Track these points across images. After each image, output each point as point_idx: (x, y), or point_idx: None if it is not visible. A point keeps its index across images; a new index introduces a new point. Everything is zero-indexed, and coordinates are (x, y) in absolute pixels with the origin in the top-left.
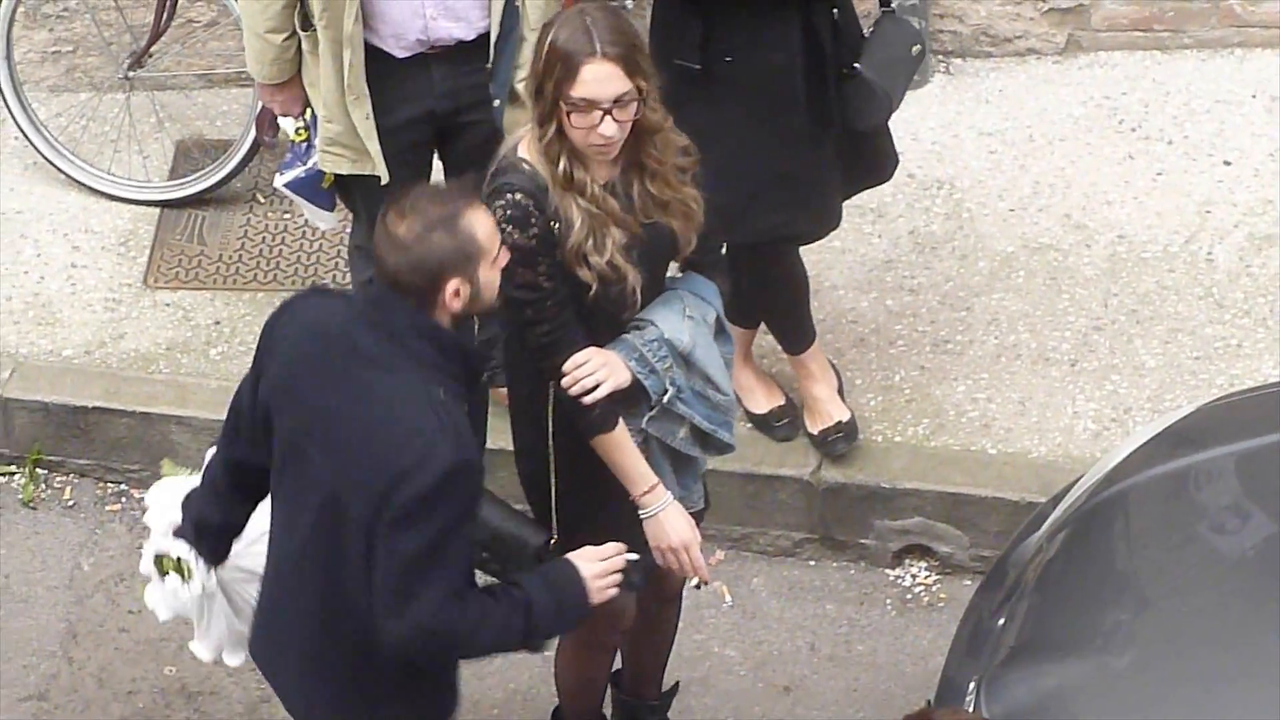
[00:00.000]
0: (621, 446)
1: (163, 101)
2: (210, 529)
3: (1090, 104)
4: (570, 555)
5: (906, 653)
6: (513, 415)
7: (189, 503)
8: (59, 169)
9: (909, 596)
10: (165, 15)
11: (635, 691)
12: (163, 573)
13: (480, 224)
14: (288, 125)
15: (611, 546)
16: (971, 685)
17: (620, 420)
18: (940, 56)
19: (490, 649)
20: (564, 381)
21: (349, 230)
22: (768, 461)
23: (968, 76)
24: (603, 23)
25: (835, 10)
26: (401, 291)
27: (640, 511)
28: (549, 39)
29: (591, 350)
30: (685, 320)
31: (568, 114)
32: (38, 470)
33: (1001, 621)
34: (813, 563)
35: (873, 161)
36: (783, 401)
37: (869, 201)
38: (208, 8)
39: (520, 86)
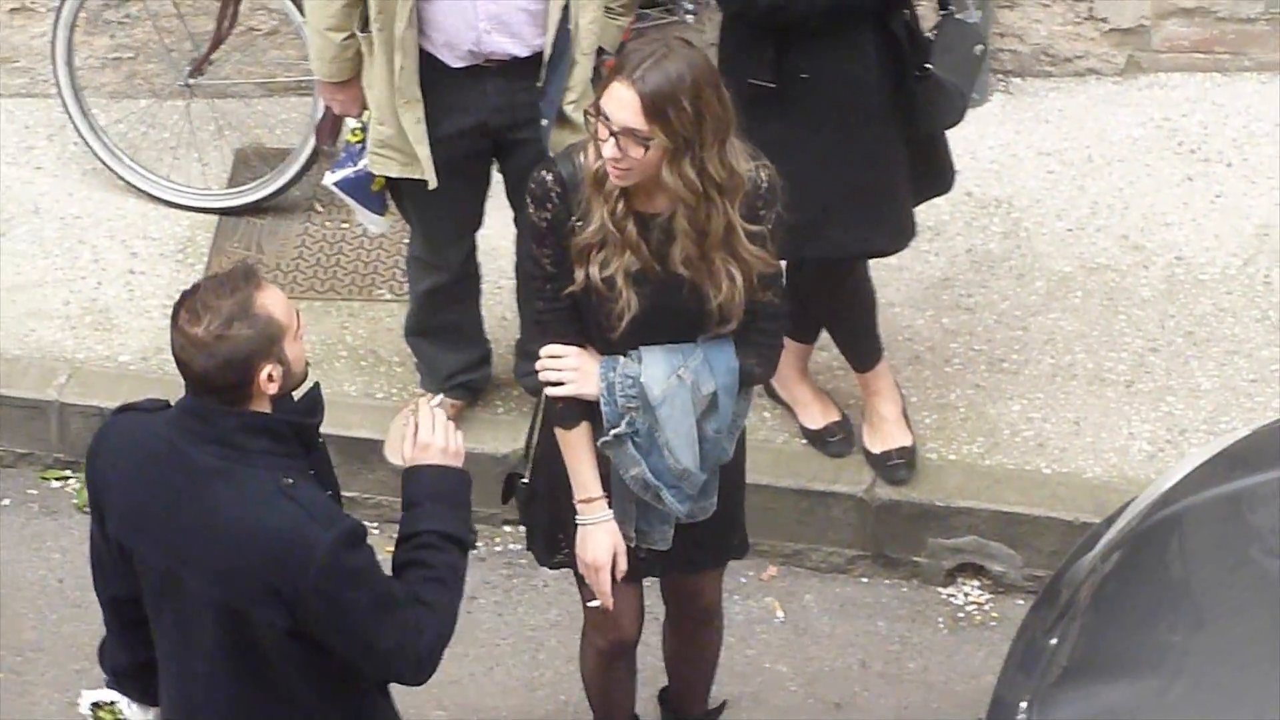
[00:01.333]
0: (574, 449)
1: (222, 109)
2: (126, 672)
3: (1149, 125)
4: (407, 461)
5: (958, 671)
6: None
7: (102, 654)
8: (118, 175)
9: (961, 615)
10: (226, 23)
11: (680, 709)
12: None
13: (273, 302)
14: (348, 124)
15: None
16: (1023, 705)
17: (584, 426)
18: (1000, 76)
19: (458, 591)
20: (536, 364)
21: (407, 240)
22: (821, 478)
23: (1027, 96)
24: (661, 59)
25: (908, 13)
26: (216, 391)
27: (575, 517)
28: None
29: (574, 350)
30: (672, 377)
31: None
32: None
33: (1054, 641)
34: (865, 580)
35: (937, 171)
36: (838, 418)
37: (927, 219)
38: (269, 16)
39: (569, 109)
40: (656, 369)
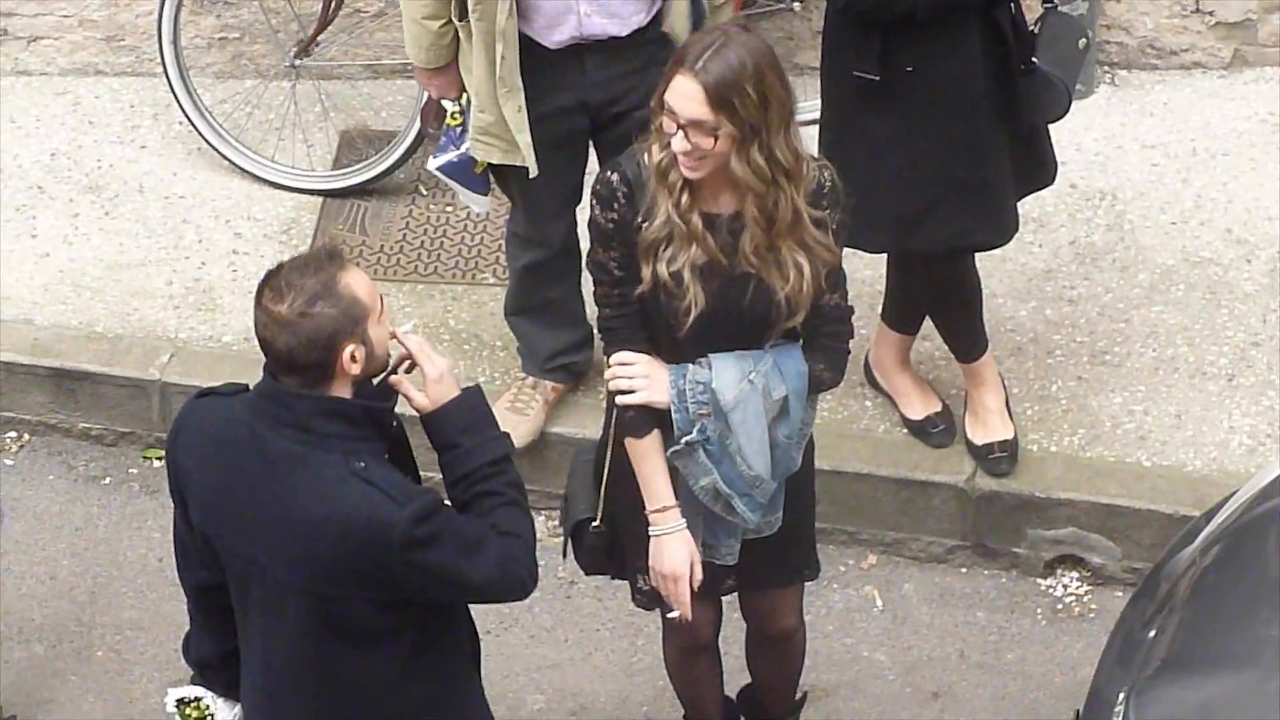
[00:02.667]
0: (645, 457)
1: (328, 91)
2: (212, 664)
3: (1255, 119)
4: (417, 408)
5: (1056, 662)
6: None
7: (187, 646)
8: (223, 155)
9: (1060, 606)
10: (333, 4)
11: (761, 706)
12: (186, 719)
13: (357, 283)
14: (447, 108)
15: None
16: (1121, 696)
17: (655, 434)
18: (1106, 68)
19: (526, 503)
20: (606, 373)
21: (507, 218)
22: (922, 467)
23: (1133, 88)
24: (721, 48)
25: (1013, 6)
26: (299, 370)
27: (649, 529)
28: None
29: (644, 357)
30: (744, 382)
31: (654, 113)
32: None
33: (1152, 634)
34: (964, 570)
35: (1040, 164)
36: (939, 408)
37: (1031, 211)
38: None
39: None
40: (727, 374)
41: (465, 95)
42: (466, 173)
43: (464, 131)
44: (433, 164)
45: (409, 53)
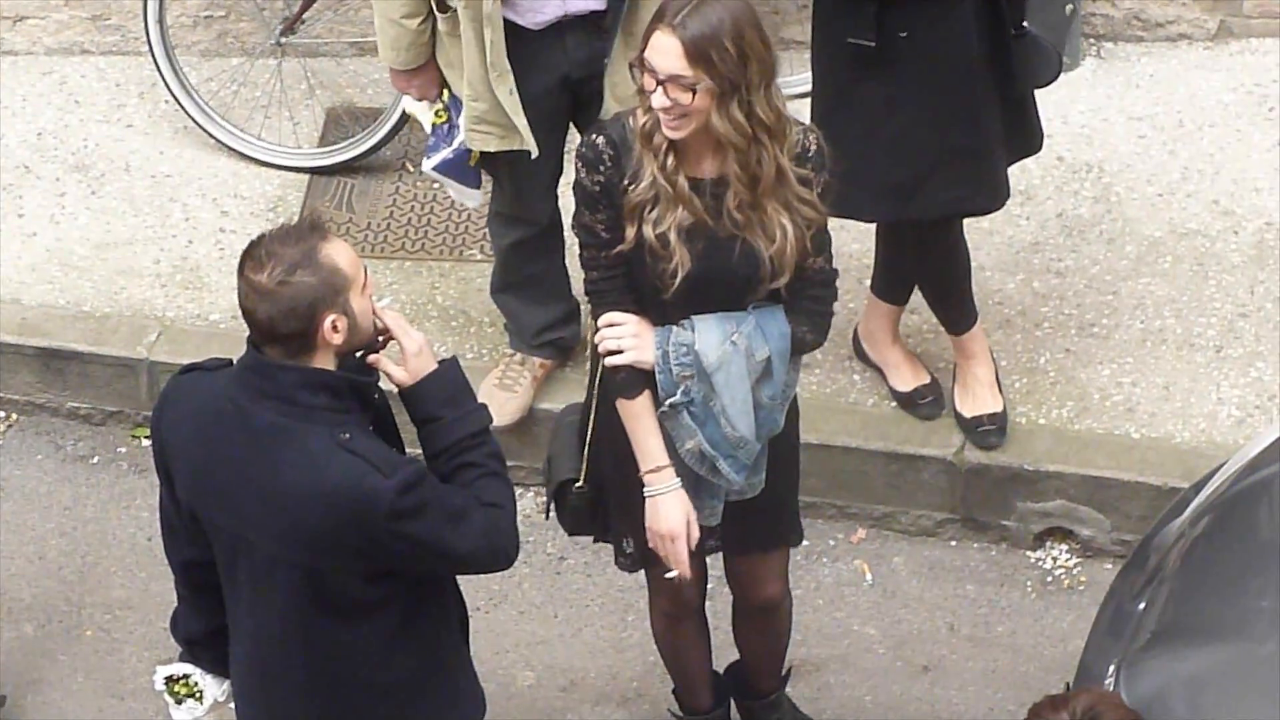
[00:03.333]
0: (638, 418)
1: (314, 68)
2: (200, 641)
3: (1241, 90)
4: (397, 384)
5: (1046, 635)
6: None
7: (175, 623)
8: (209, 134)
9: (1049, 579)
10: None
11: (748, 682)
12: (174, 696)
13: (339, 253)
14: (419, 110)
15: None
16: (1111, 669)
17: (646, 395)
18: (1092, 40)
19: (506, 473)
20: (595, 335)
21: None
22: (911, 441)
23: (1119, 61)
24: (700, 4)
25: None
26: (280, 340)
27: (644, 489)
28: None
29: (631, 318)
30: (726, 344)
31: (632, 71)
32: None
33: (1142, 606)
34: (954, 543)
35: (1028, 131)
36: (927, 380)
37: (1018, 184)
38: None
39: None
40: (710, 336)
41: (445, 91)
42: (462, 168)
43: (452, 128)
44: (427, 165)
45: (384, 57)
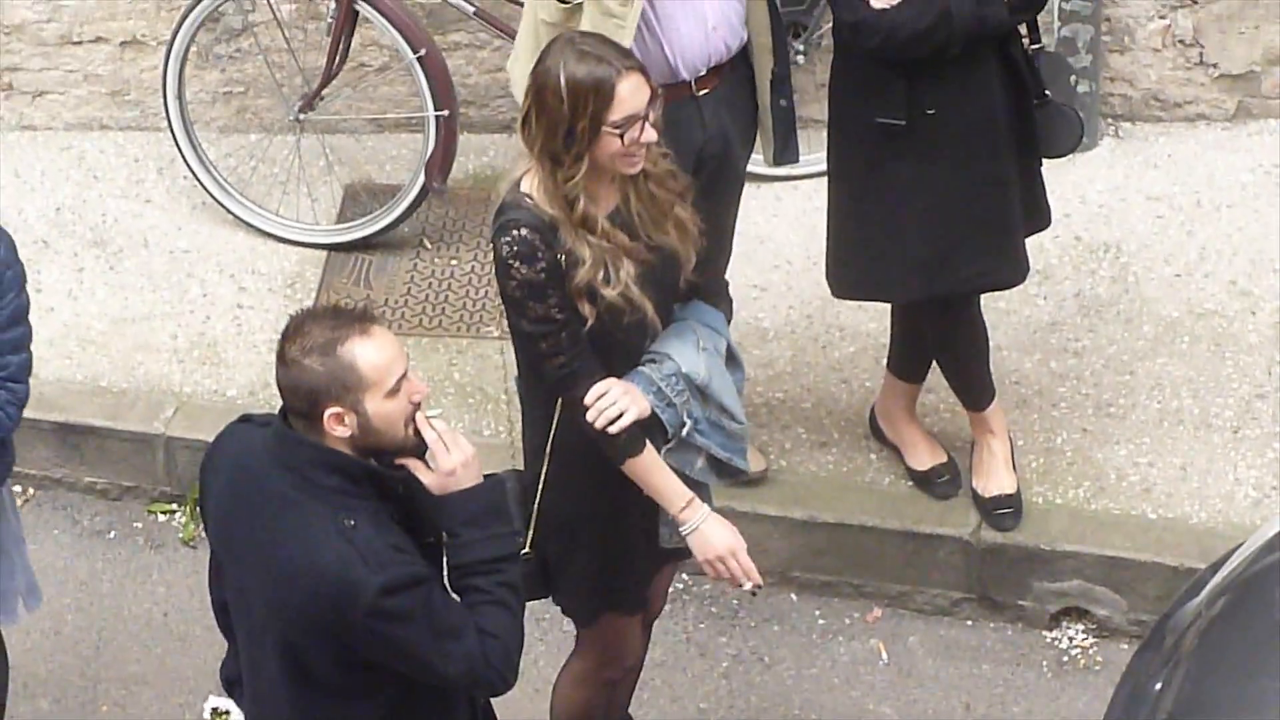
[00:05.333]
0: (653, 468)
1: (332, 145)
2: (237, 681)
3: (1259, 171)
4: (428, 486)
5: (1062, 715)
6: (526, 446)
7: (224, 661)
8: (227, 209)
9: (1065, 659)
10: (337, 59)
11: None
12: None
13: (367, 353)
14: None
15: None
16: None
17: (648, 442)
18: (1110, 120)
19: (519, 604)
20: (588, 415)
21: None
22: (927, 520)
23: (1137, 140)
24: (598, 43)
25: (1024, 41)
26: (293, 414)
27: (681, 528)
28: (563, 82)
29: (611, 381)
30: (700, 353)
31: (618, 136)
32: (199, 510)
33: (1159, 686)
34: (970, 622)
35: (1039, 205)
36: (944, 459)
37: (1036, 263)
38: (380, 52)
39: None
40: (687, 354)
41: None
42: None
43: None
44: None
45: None
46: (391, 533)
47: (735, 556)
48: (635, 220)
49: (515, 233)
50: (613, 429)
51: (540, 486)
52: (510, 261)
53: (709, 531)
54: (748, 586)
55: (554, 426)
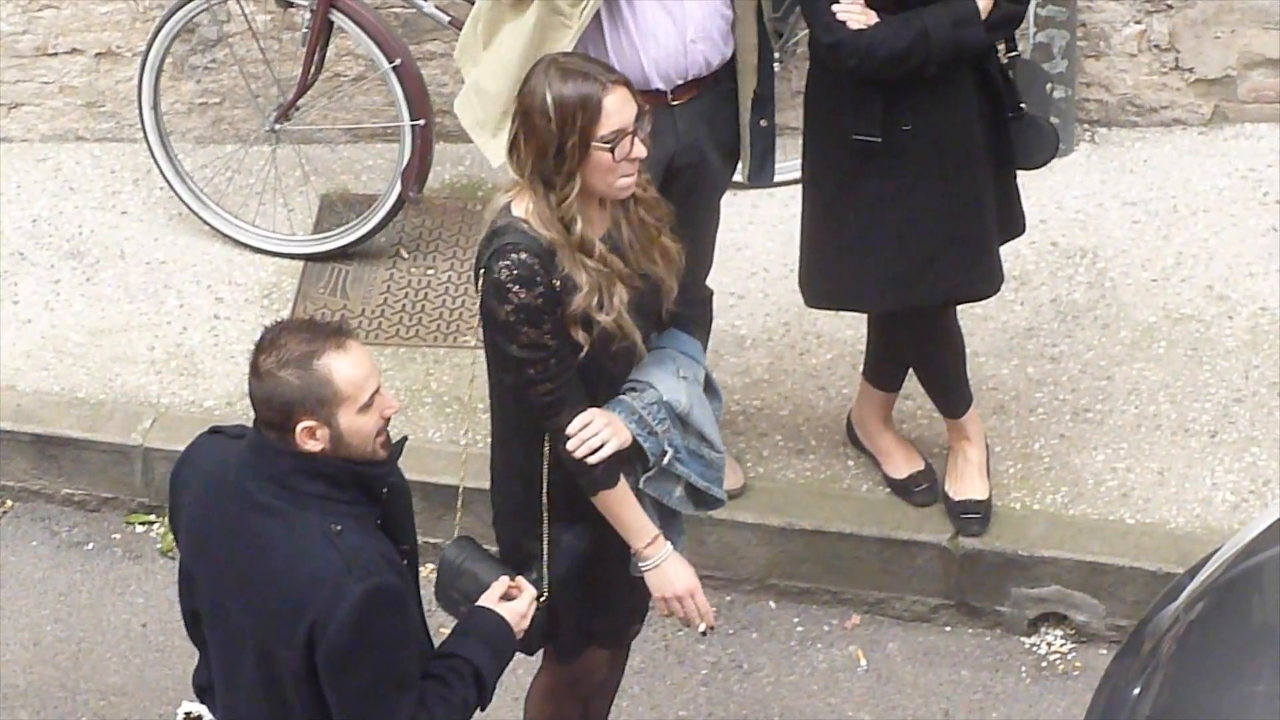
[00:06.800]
0: (623, 501)
1: (308, 155)
2: (205, 688)
3: (1235, 175)
4: (484, 602)
5: None
6: (496, 472)
7: (196, 668)
8: (204, 220)
9: (1044, 664)
10: (313, 69)
11: None
12: None
13: (342, 367)
14: None
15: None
16: None
17: (621, 475)
18: (1086, 125)
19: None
20: (570, 444)
21: None
22: (905, 526)
23: (1113, 146)
24: (581, 61)
25: (997, 53)
26: (266, 425)
27: (641, 564)
28: (549, 101)
29: (594, 411)
30: (680, 381)
31: (608, 150)
32: (169, 522)
33: (1137, 691)
34: (948, 629)
35: (1013, 214)
36: (922, 467)
37: (1012, 269)
38: (355, 62)
39: None
40: (667, 382)
41: None
42: None
43: None
44: None
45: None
46: (378, 539)
47: (693, 597)
48: (626, 246)
49: (515, 256)
50: (592, 459)
51: (545, 532)
52: (509, 285)
53: (669, 570)
54: (701, 628)
55: (546, 467)
